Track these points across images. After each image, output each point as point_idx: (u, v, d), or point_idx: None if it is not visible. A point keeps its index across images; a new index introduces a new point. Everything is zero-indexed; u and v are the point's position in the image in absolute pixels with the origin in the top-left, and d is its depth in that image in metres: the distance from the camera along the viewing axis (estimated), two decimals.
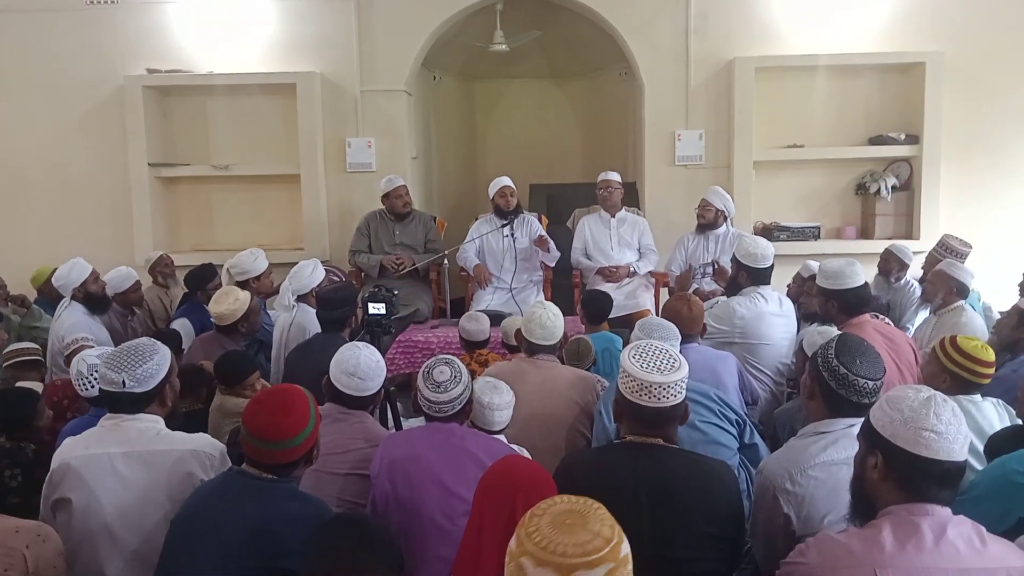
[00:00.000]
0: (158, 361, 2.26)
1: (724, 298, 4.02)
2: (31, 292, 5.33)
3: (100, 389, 2.31)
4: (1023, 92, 5.83)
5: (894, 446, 1.62)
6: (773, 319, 3.78)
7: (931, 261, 4.75)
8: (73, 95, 6.12)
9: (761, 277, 3.85)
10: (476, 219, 5.83)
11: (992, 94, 5.83)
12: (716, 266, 5.05)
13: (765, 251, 3.85)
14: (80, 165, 6.19)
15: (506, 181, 5.55)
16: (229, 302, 3.88)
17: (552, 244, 5.40)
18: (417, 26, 6.03)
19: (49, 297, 5.01)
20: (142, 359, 2.23)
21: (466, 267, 5.54)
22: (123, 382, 2.20)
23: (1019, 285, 4.37)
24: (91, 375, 2.74)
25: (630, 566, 1.26)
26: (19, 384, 3.38)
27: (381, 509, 2.35)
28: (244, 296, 3.95)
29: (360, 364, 2.59)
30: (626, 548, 1.26)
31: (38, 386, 3.36)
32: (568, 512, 1.27)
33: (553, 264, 5.53)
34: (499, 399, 2.56)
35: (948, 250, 4.76)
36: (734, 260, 3.99)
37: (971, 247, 4.82)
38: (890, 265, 4.98)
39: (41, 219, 6.22)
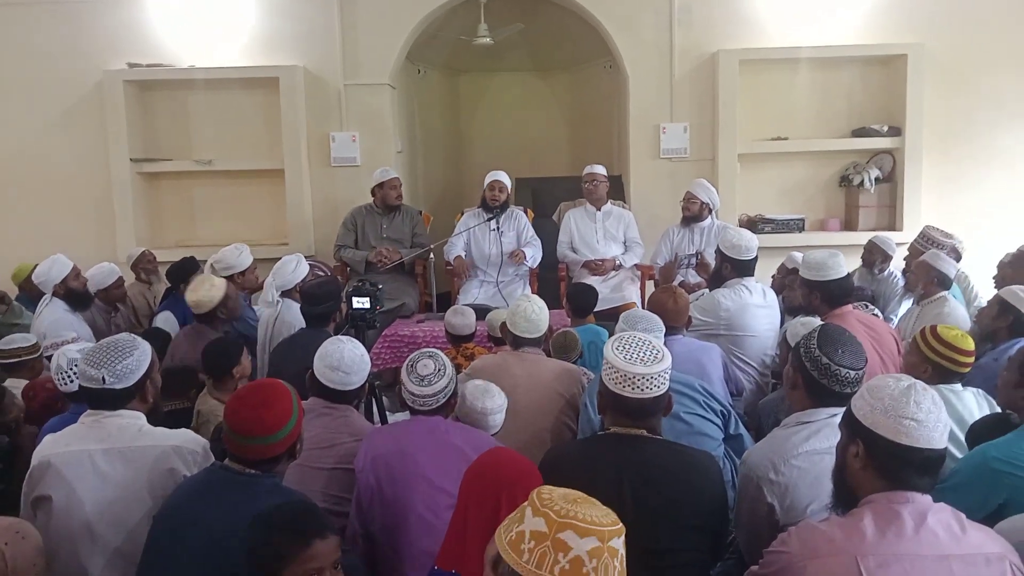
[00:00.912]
0: (138, 357, 2.23)
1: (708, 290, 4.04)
2: (12, 289, 5.27)
3: (80, 385, 2.29)
4: (1003, 83, 5.87)
5: (875, 435, 1.63)
6: (757, 311, 3.79)
7: (913, 252, 4.78)
8: (53, 90, 6.04)
9: (745, 269, 3.86)
10: (462, 213, 5.81)
11: (973, 85, 5.86)
12: (699, 258, 5.07)
13: (749, 243, 3.86)
14: (61, 161, 6.12)
15: (498, 176, 5.51)
16: (204, 289, 3.81)
17: (528, 252, 5.36)
18: (400, 19, 5.99)
19: (30, 294, 4.96)
20: (122, 355, 2.21)
21: (448, 259, 5.53)
22: (103, 378, 2.17)
23: (993, 278, 4.40)
24: (71, 369, 2.71)
25: None
26: (9, 380, 3.33)
27: (366, 504, 2.34)
28: (220, 282, 3.89)
29: (344, 358, 2.58)
30: None
31: (21, 382, 3.32)
32: (570, 494, 1.30)
33: (535, 265, 5.52)
34: (492, 403, 2.54)
35: (930, 241, 4.79)
36: (718, 252, 4.00)
37: (952, 237, 4.85)
38: (873, 256, 5.01)
39: (22, 215, 6.14)
